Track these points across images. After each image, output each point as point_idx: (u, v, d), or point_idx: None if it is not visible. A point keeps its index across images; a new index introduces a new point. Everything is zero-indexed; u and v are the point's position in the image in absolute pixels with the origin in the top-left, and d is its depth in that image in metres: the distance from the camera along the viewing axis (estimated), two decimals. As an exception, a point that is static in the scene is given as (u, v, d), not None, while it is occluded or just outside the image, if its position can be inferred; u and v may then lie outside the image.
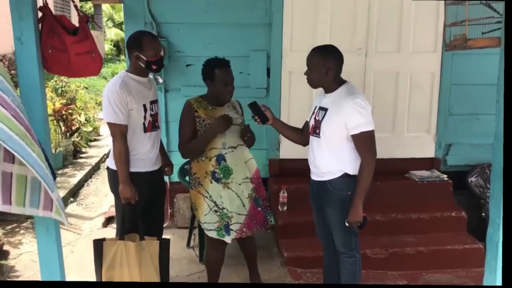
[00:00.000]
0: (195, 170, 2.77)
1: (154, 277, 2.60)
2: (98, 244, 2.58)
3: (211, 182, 2.71)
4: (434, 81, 4.17)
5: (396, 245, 3.58)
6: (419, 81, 4.17)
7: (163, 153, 2.95)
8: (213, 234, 2.71)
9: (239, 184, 2.75)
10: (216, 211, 2.70)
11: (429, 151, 4.28)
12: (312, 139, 2.58)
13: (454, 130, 4.23)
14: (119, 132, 2.54)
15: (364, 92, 4.09)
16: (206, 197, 2.71)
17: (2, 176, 1.62)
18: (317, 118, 2.53)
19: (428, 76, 4.18)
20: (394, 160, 4.13)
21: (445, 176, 4.10)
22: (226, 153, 2.72)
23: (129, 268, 2.55)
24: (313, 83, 2.53)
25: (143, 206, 2.67)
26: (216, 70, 2.68)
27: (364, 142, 2.40)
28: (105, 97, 2.53)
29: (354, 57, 4.02)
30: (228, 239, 2.72)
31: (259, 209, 2.82)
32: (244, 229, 2.75)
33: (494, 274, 1.74)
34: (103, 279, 2.53)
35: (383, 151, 3.67)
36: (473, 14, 2.57)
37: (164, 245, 2.67)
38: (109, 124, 2.56)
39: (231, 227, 2.71)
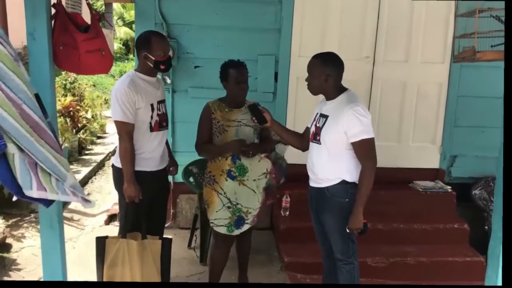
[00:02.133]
0: (211, 168, 2.85)
1: (155, 277, 2.60)
2: (101, 242, 2.58)
3: (226, 180, 2.77)
4: (441, 92, 4.17)
5: (397, 254, 3.57)
6: (426, 91, 4.17)
7: (169, 153, 2.96)
8: (222, 230, 2.79)
9: (254, 180, 2.81)
10: (229, 207, 2.77)
11: (433, 162, 4.28)
12: (312, 145, 2.60)
13: (459, 141, 4.22)
14: (126, 131, 2.55)
15: (370, 101, 4.11)
16: (220, 193, 2.77)
17: (29, 165, 1.63)
18: (317, 125, 2.54)
19: (436, 87, 4.18)
20: (398, 169, 4.13)
21: (449, 187, 4.10)
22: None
23: (131, 267, 2.55)
24: (313, 90, 2.56)
25: (146, 205, 2.68)
26: (230, 70, 2.79)
27: (364, 150, 2.41)
28: (113, 95, 2.55)
29: (362, 65, 4.04)
30: (236, 232, 2.81)
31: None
32: (255, 219, 2.87)
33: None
34: (105, 277, 2.53)
35: (388, 160, 3.68)
36: (482, 27, 2.58)
37: (166, 245, 2.67)
38: (116, 122, 2.57)
39: (246, 221, 2.80)
